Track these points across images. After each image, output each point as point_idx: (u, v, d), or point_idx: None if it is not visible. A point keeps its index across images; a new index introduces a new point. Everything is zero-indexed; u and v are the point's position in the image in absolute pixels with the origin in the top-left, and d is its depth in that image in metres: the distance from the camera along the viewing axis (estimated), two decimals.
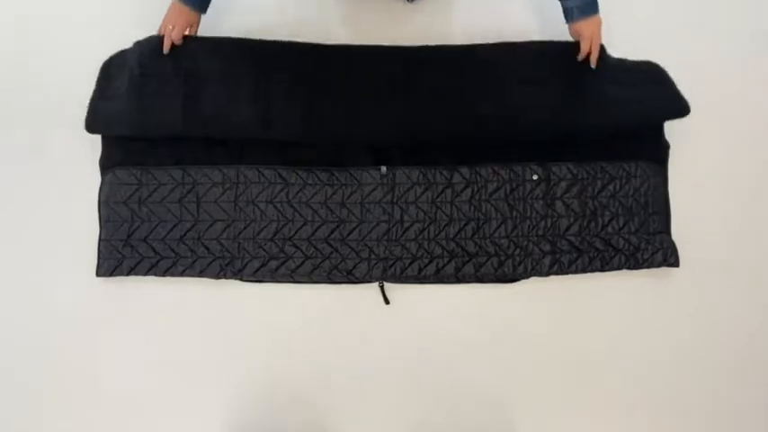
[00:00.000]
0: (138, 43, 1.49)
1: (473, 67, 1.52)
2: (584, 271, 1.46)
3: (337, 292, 1.47)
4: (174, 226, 1.45)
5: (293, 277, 1.45)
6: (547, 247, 1.46)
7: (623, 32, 1.57)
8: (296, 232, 1.45)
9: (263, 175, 1.47)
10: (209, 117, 1.45)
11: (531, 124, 1.49)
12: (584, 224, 1.47)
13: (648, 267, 1.46)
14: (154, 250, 1.44)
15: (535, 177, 1.48)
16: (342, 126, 1.48)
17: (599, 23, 1.44)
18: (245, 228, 1.45)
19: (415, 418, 1.44)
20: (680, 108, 1.51)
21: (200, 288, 1.46)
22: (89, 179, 1.49)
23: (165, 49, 1.45)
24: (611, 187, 1.49)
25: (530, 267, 1.46)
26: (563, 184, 1.48)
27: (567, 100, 1.50)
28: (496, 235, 1.47)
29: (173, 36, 1.44)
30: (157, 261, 1.44)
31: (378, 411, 1.45)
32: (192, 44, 1.47)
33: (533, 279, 1.47)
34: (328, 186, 1.47)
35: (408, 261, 1.46)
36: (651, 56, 1.58)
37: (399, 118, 1.49)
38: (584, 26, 1.44)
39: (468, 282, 1.47)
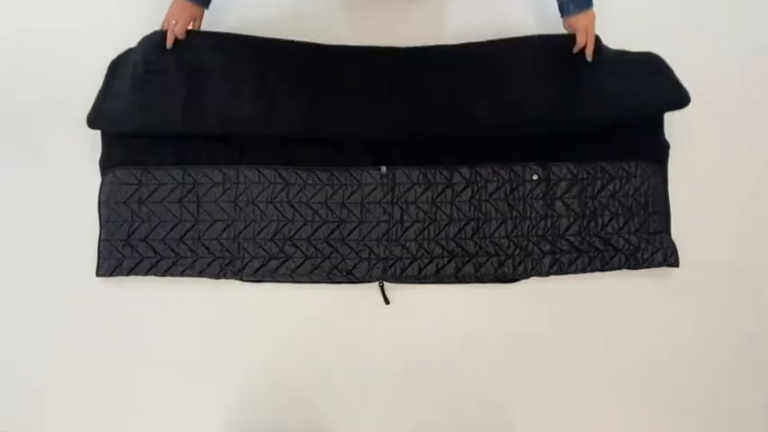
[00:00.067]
0: (141, 41, 1.50)
1: (471, 65, 1.52)
2: (584, 271, 1.46)
3: (337, 292, 1.47)
4: (174, 226, 1.45)
5: (293, 277, 1.45)
6: (547, 247, 1.46)
7: (623, 33, 1.57)
8: (296, 232, 1.45)
9: (263, 175, 1.47)
10: (210, 112, 1.46)
11: (529, 120, 1.49)
12: (584, 224, 1.47)
13: (648, 267, 1.45)
14: (154, 250, 1.44)
15: (535, 177, 1.48)
16: (342, 124, 1.49)
17: (593, 18, 1.45)
18: (245, 228, 1.45)
19: (415, 418, 1.44)
20: (679, 98, 1.51)
21: (201, 288, 1.46)
22: (89, 179, 1.49)
23: (169, 44, 1.46)
24: (610, 187, 1.48)
25: (530, 267, 1.46)
26: (563, 183, 1.48)
27: (564, 95, 1.50)
28: (496, 235, 1.47)
29: (176, 31, 1.44)
30: (157, 261, 1.44)
31: (378, 411, 1.45)
32: (195, 39, 1.48)
33: (533, 279, 1.47)
34: (328, 186, 1.47)
35: (408, 261, 1.46)
36: None
37: (399, 117, 1.49)
38: (579, 20, 1.44)
39: (468, 282, 1.47)
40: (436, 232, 1.47)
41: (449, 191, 1.48)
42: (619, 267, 1.46)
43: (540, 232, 1.47)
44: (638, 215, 1.48)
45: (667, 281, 1.49)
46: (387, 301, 1.47)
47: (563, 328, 1.48)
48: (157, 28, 1.48)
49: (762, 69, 1.60)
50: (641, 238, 1.47)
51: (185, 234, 1.45)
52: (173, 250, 1.44)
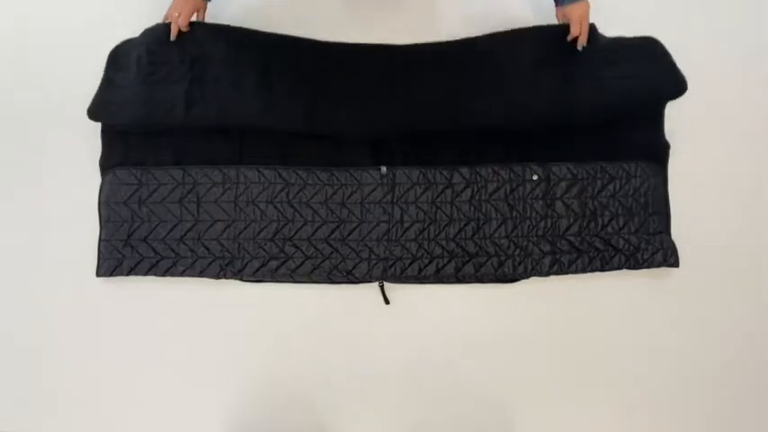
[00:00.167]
0: (145, 32, 1.51)
1: (469, 59, 1.53)
2: (584, 271, 1.46)
3: (337, 292, 1.47)
4: (175, 226, 1.45)
5: (293, 277, 1.45)
6: (547, 248, 1.46)
7: (623, 33, 1.57)
8: (296, 232, 1.45)
9: (263, 175, 1.47)
10: (212, 103, 1.47)
11: (528, 112, 1.49)
12: (584, 224, 1.47)
13: (648, 267, 1.45)
14: (154, 250, 1.44)
15: (535, 177, 1.48)
16: (342, 120, 1.49)
17: (587, 8, 1.45)
18: (245, 228, 1.45)
19: (415, 418, 1.44)
20: (676, 83, 1.51)
21: (201, 288, 1.46)
22: (89, 179, 1.49)
23: (173, 36, 1.47)
24: (610, 187, 1.48)
25: (530, 267, 1.46)
26: (563, 184, 1.48)
27: (561, 86, 1.50)
28: (496, 235, 1.47)
29: (179, 23, 1.45)
30: (157, 261, 1.44)
31: (378, 411, 1.45)
32: (198, 31, 1.49)
33: (533, 279, 1.47)
34: (328, 186, 1.47)
35: (408, 261, 1.46)
36: None
37: (399, 113, 1.50)
38: (574, 9, 1.45)
39: (468, 282, 1.47)
40: (436, 232, 1.47)
41: (449, 191, 1.48)
42: (619, 267, 1.46)
43: (540, 232, 1.47)
44: (638, 215, 1.48)
45: (667, 281, 1.49)
46: (387, 301, 1.47)
47: (563, 328, 1.48)
48: (160, 21, 1.49)
49: (762, 69, 1.60)
50: (641, 239, 1.47)
51: (185, 234, 1.45)
52: (173, 250, 1.44)
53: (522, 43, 1.53)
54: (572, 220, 1.47)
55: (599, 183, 1.48)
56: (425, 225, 1.47)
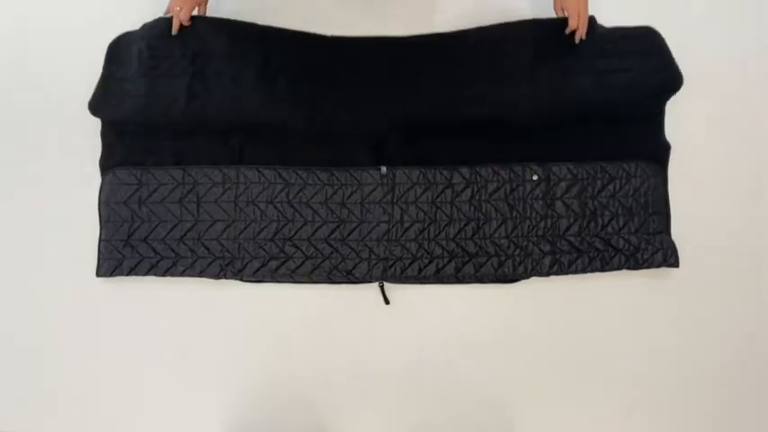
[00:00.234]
0: (145, 26, 1.51)
1: (465, 51, 1.54)
2: (584, 271, 1.45)
3: (337, 292, 1.47)
4: (175, 226, 1.45)
5: (293, 277, 1.45)
6: (547, 248, 1.46)
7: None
8: (296, 232, 1.45)
9: (263, 175, 1.47)
10: (213, 97, 1.48)
11: (528, 105, 1.50)
12: (584, 224, 1.47)
13: (648, 268, 1.45)
14: (154, 250, 1.44)
15: (535, 177, 1.48)
16: (342, 113, 1.50)
17: (586, 0, 1.46)
18: (245, 228, 1.45)
19: (415, 418, 1.44)
20: (672, 77, 1.51)
21: (201, 288, 1.46)
22: (89, 179, 1.49)
23: (174, 30, 1.48)
24: (610, 187, 1.48)
25: (530, 268, 1.46)
26: (563, 184, 1.48)
27: (560, 79, 1.51)
28: (496, 235, 1.47)
29: (181, 17, 1.46)
30: (157, 261, 1.44)
31: (378, 411, 1.45)
32: (199, 25, 1.50)
33: (533, 279, 1.47)
34: (328, 186, 1.47)
35: (408, 261, 1.46)
36: None
37: (399, 104, 1.50)
38: (572, 1, 1.45)
39: (468, 282, 1.47)
40: (436, 232, 1.47)
41: (449, 191, 1.48)
42: (619, 268, 1.45)
43: (540, 232, 1.47)
44: (638, 215, 1.48)
45: (667, 281, 1.49)
46: (387, 302, 1.46)
47: (563, 328, 1.48)
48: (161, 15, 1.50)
49: (762, 69, 1.60)
50: (641, 239, 1.46)
51: (185, 234, 1.45)
52: (173, 250, 1.44)
53: (520, 35, 1.54)
54: (572, 220, 1.47)
55: (599, 183, 1.48)
56: (425, 225, 1.47)
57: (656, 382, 1.47)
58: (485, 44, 1.54)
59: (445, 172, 1.48)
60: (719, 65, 1.60)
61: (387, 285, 1.47)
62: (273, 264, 1.44)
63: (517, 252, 1.46)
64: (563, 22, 1.50)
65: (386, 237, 1.46)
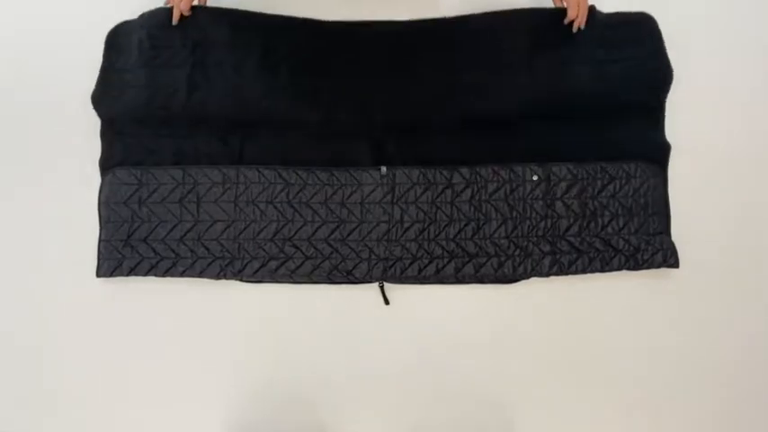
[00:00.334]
0: (144, 15, 1.52)
1: (464, 38, 1.54)
2: (583, 272, 1.45)
3: (337, 293, 1.47)
4: (174, 226, 1.45)
5: (293, 278, 1.45)
6: (547, 248, 1.46)
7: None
8: (296, 232, 1.45)
9: (263, 175, 1.47)
10: (215, 87, 1.48)
11: (526, 95, 1.50)
12: (584, 225, 1.47)
13: (648, 268, 1.45)
14: (154, 251, 1.44)
15: (535, 178, 1.48)
16: (342, 102, 1.51)
17: None
18: (245, 228, 1.45)
19: (415, 418, 1.44)
20: (662, 70, 1.53)
21: (201, 288, 1.46)
22: (89, 179, 1.49)
23: (175, 20, 1.48)
24: (610, 188, 1.48)
25: (530, 268, 1.46)
26: (563, 184, 1.48)
27: (559, 69, 1.52)
28: (496, 235, 1.47)
29: (181, 7, 1.46)
30: (157, 261, 1.44)
31: (378, 411, 1.45)
32: (199, 14, 1.50)
33: (533, 279, 1.47)
34: (328, 186, 1.47)
35: (408, 261, 1.46)
36: None
37: (399, 93, 1.51)
38: None
39: (468, 282, 1.47)
40: (436, 232, 1.47)
41: (449, 191, 1.48)
42: (619, 268, 1.45)
43: (540, 233, 1.47)
44: (637, 216, 1.48)
45: (667, 282, 1.49)
46: (387, 302, 1.46)
47: (563, 329, 1.48)
48: (161, 5, 1.51)
49: (762, 69, 1.60)
50: (641, 239, 1.46)
51: (185, 234, 1.45)
52: (173, 251, 1.44)
53: (519, 24, 1.54)
54: (572, 220, 1.47)
55: (599, 183, 1.48)
56: (425, 225, 1.47)
57: (656, 382, 1.47)
58: (485, 32, 1.54)
59: (445, 172, 1.48)
60: (720, 65, 1.60)
61: (387, 285, 1.47)
62: (273, 264, 1.44)
63: (517, 252, 1.46)
64: (562, 12, 1.50)
65: (386, 237, 1.46)
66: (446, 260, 1.46)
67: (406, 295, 1.47)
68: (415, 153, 1.50)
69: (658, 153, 1.52)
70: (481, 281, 1.46)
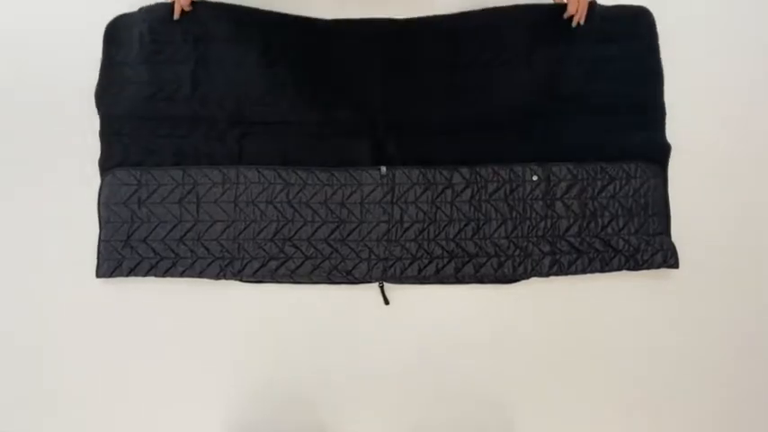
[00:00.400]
0: (144, 10, 1.52)
1: (468, 36, 1.54)
2: (583, 272, 1.45)
3: (337, 293, 1.47)
4: (174, 226, 1.45)
5: (293, 278, 1.45)
6: (546, 248, 1.46)
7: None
8: (296, 233, 1.45)
9: (262, 175, 1.47)
10: (217, 85, 1.50)
11: (525, 92, 1.51)
12: (584, 225, 1.47)
13: (648, 268, 1.45)
14: (154, 251, 1.44)
15: (535, 178, 1.48)
16: (344, 101, 1.51)
17: None
18: (244, 228, 1.45)
19: (415, 418, 1.45)
20: (651, 67, 1.53)
21: (200, 289, 1.46)
22: (89, 179, 1.49)
23: (176, 15, 1.49)
24: (610, 188, 1.48)
25: (529, 268, 1.46)
26: (563, 184, 1.48)
27: (558, 67, 1.52)
28: (496, 235, 1.47)
29: (182, 1, 1.46)
30: (157, 262, 1.44)
31: (378, 411, 1.45)
32: (200, 9, 1.50)
33: (533, 280, 1.47)
34: (328, 186, 1.47)
35: (408, 261, 1.45)
36: None
37: (399, 89, 1.52)
38: None
39: (467, 282, 1.47)
40: (436, 233, 1.47)
41: (449, 191, 1.48)
42: (618, 268, 1.45)
43: (539, 233, 1.47)
44: (637, 216, 1.48)
45: (667, 282, 1.49)
46: (387, 302, 1.46)
47: (563, 329, 1.48)
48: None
49: (762, 69, 1.59)
50: (641, 240, 1.46)
51: (185, 235, 1.45)
52: (172, 251, 1.44)
53: (518, 20, 1.54)
54: (572, 220, 1.47)
55: (599, 183, 1.48)
56: (425, 225, 1.47)
57: (656, 382, 1.47)
58: (484, 30, 1.54)
59: (445, 172, 1.48)
60: (720, 65, 1.59)
61: (386, 285, 1.47)
62: (273, 264, 1.44)
63: (517, 252, 1.46)
64: (561, 8, 1.50)
65: (386, 237, 1.46)
66: (446, 260, 1.46)
67: (406, 295, 1.47)
68: (414, 153, 1.50)
69: (658, 153, 1.52)
70: (481, 281, 1.46)
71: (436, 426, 1.45)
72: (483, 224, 1.47)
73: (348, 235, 1.46)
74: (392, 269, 1.45)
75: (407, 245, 1.46)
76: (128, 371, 1.45)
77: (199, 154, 1.49)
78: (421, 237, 1.47)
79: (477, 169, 1.48)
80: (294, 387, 1.46)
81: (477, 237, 1.47)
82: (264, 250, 1.45)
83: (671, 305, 1.49)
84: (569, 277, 1.46)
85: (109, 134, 1.51)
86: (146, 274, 1.44)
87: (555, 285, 1.47)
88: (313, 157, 1.50)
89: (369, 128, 1.51)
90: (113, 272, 1.44)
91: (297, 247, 1.45)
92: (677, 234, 1.50)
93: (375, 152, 1.50)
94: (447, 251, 1.46)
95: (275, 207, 1.46)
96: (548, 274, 1.46)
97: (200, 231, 1.45)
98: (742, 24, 1.61)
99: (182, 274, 1.44)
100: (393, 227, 1.46)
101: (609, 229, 1.47)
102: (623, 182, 1.48)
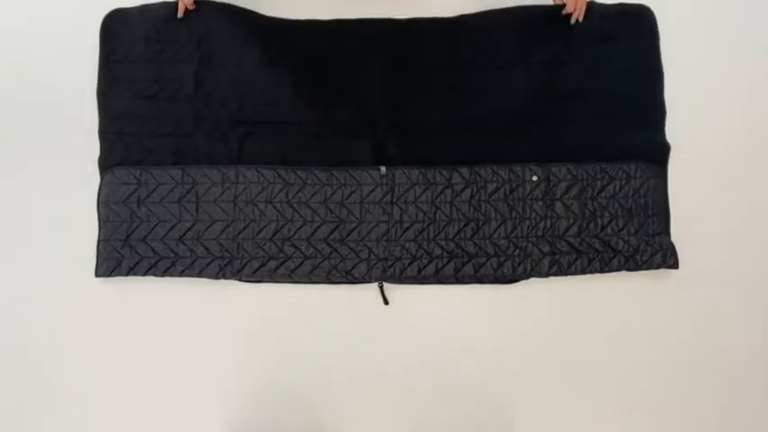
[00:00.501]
0: (145, 8, 1.53)
1: (467, 38, 1.54)
2: (583, 272, 1.45)
3: (336, 293, 1.47)
4: (174, 226, 1.45)
5: (292, 277, 1.45)
6: (546, 248, 1.46)
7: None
8: (295, 232, 1.45)
9: (262, 175, 1.47)
10: (220, 85, 1.50)
11: (523, 93, 1.51)
12: (584, 225, 1.47)
13: (648, 269, 1.45)
14: (153, 250, 1.44)
15: (535, 178, 1.48)
16: (342, 101, 1.51)
17: None
18: (244, 228, 1.45)
19: (415, 418, 1.45)
20: (652, 64, 1.53)
21: (200, 288, 1.46)
22: (88, 179, 1.49)
23: (180, 13, 1.50)
24: (610, 188, 1.48)
25: (529, 268, 1.46)
26: (562, 184, 1.48)
27: (556, 69, 1.52)
28: (496, 236, 1.47)
29: (185, 0, 1.47)
30: (156, 261, 1.44)
31: (378, 411, 1.45)
32: (204, 9, 1.51)
33: (533, 280, 1.47)
34: (327, 186, 1.47)
35: (408, 261, 1.45)
36: None
37: (398, 93, 1.52)
38: None
39: (467, 282, 1.47)
40: (435, 233, 1.47)
41: (448, 191, 1.47)
42: (618, 269, 1.45)
43: (539, 233, 1.47)
44: (637, 217, 1.48)
45: (666, 282, 1.49)
46: (386, 302, 1.46)
47: (562, 329, 1.48)
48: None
49: (762, 69, 1.59)
50: (641, 240, 1.46)
51: (184, 234, 1.45)
52: (172, 250, 1.44)
53: (518, 22, 1.54)
54: (571, 221, 1.47)
55: (599, 184, 1.48)
56: (425, 225, 1.47)
57: (655, 382, 1.47)
58: (484, 31, 1.54)
59: (445, 172, 1.48)
60: (720, 65, 1.59)
61: (386, 285, 1.47)
62: (272, 264, 1.44)
63: (516, 253, 1.46)
64: (560, 7, 1.50)
65: (385, 237, 1.46)
66: (445, 260, 1.46)
67: (406, 295, 1.47)
68: (414, 153, 1.50)
69: (658, 153, 1.52)
70: (480, 281, 1.46)
71: (436, 426, 1.45)
72: (482, 224, 1.47)
73: (347, 235, 1.46)
74: (392, 269, 1.45)
75: (407, 245, 1.46)
76: (127, 370, 1.45)
77: (199, 153, 1.50)
78: (420, 237, 1.46)
79: (477, 169, 1.48)
80: (294, 387, 1.46)
81: (476, 237, 1.47)
82: (264, 250, 1.45)
83: (671, 305, 1.49)
84: (569, 277, 1.46)
85: (109, 133, 1.51)
86: (145, 274, 1.44)
87: (554, 285, 1.47)
88: (313, 156, 1.50)
89: (369, 128, 1.51)
90: (112, 271, 1.44)
91: (296, 247, 1.45)
92: (677, 234, 1.49)
93: (375, 152, 1.50)
94: (446, 251, 1.46)
95: (274, 207, 1.46)
96: (547, 275, 1.46)
97: (199, 231, 1.45)
98: (742, 24, 1.61)
99: (181, 274, 1.44)
100: (393, 227, 1.46)
101: (608, 230, 1.47)
102: (623, 182, 1.48)
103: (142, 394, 1.45)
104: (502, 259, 1.46)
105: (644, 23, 1.56)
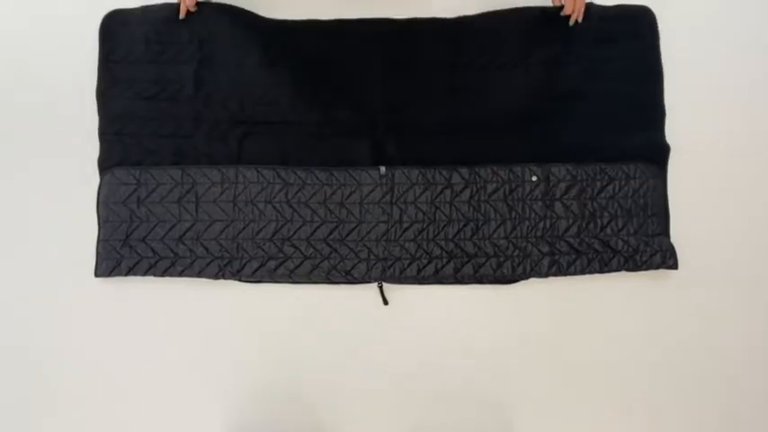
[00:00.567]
0: (146, 9, 1.53)
1: (469, 39, 1.54)
2: (582, 272, 1.45)
3: (336, 293, 1.47)
4: (173, 226, 1.45)
5: (292, 277, 1.45)
6: (545, 249, 1.46)
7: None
8: (295, 232, 1.45)
9: (261, 174, 1.47)
10: (220, 86, 1.50)
11: (523, 94, 1.51)
12: (583, 225, 1.47)
13: (647, 269, 1.45)
14: (152, 250, 1.44)
15: (534, 178, 1.47)
16: (342, 101, 1.51)
17: None
18: (243, 228, 1.45)
19: (415, 418, 1.44)
20: (652, 64, 1.53)
21: (199, 288, 1.46)
22: (88, 179, 1.50)
23: (181, 14, 1.50)
24: (610, 188, 1.48)
25: (528, 268, 1.45)
26: (562, 185, 1.48)
27: (556, 70, 1.52)
28: (495, 236, 1.47)
29: (187, 2, 1.47)
30: (156, 261, 1.44)
31: (378, 411, 1.45)
32: (205, 10, 1.52)
33: (532, 280, 1.47)
34: (327, 186, 1.47)
35: (407, 261, 1.45)
36: None
37: (398, 93, 1.52)
38: None
39: (467, 282, 1.47)
40: (435, 233, 1.47)
41: (448, 191, 1.47)
42: (617, 269, 1.45)
43: (539, 233, 1.47)
44: (637, 217, 1.47)
45: (666, 283, 1.48)
46: (386, 302, 1.46)
47: (562, 330, 1.48)
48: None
49: (762, 69, 1.59)
50: (640, 240, 1.46)
51: (184, 234, 1.45)
52: (171, 250, 1.44)
53: (518, 23, 1.54)
54: (571, 221, 1.47)
55: (598, 184, 1.48)
56: (424, 225, 1.47)
57: (655, 382, 1.47)
58: (484, 32, 1.54)
59: (444, 172, 1.48)
60: (720, 65, 1.59)
61: (385, 286, 1.47)
62: (272, 264, 1.44)
63: (516, 253, 1.46)
64: (559, 9, 1.50)
65: (385, 237, 1.46)
66: (445, 260, 1.46)
67: (405, 295, 1.47)
68: (414, 153, 1.50)
69: (658, 153, 1.52)
70: (480, 281, 1.46)
71: (436, 426, 1.45)
72: (482, 224, 1.47)
73: (347, 235, 1.46)
74: (391, 269, 1.45)
75: (406, 245, 1.46)
76: (127, 370, 1.45)
77: (198, 154, 1.50)
78: (420, 237, 1.46)
79: (477, 169, 1.48)
80: (293, 387, 1.46)
81: (476, 237, 1.47)
82: (263, 250, 1.45)
83: (670, 306, 1.49)
84: (568, 278, 1.46)
85: (109, 133, 1.51)
86: (144, 274, 1.44)
87: (554, 286, 1.47)
88: (312, 156, 1.50)
89: (368, 128, 1.51)
90: (112, 271, 1.44)
91: (296, 247, 1.45)
92: (676, 235, 1.49)
93: (375, 152, 1.50)
94: (446, 251, 1.46)
95: (274, 207, 1.46)
96: (547, 275, 1.46)
97: (198, 231, 1.45)
98: (742, 24, 1.61)
99: (180, 274, 1.44)
100: (392, 227, 1.46)
101: (608, 230, 1.47)
102: (622, 182, 1.48)
103: (142, 394, 1.45)
104: (501, 259, 1.46)
105: (644, 24, 1.55)
